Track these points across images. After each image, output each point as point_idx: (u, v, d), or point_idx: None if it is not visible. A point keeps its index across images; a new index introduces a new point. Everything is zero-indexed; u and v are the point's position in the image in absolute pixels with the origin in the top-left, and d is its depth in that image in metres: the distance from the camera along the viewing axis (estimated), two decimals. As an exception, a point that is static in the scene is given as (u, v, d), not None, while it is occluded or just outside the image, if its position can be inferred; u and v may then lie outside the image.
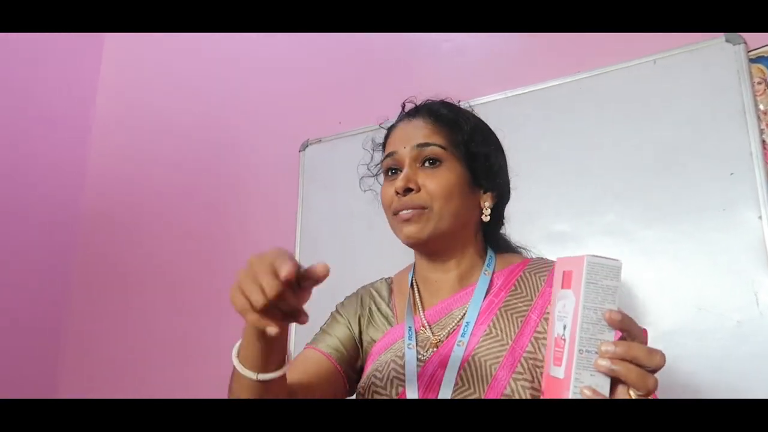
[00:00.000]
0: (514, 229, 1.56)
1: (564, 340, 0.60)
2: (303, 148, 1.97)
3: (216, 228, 2.09)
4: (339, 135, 1.93)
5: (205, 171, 2.17)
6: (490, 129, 0.99)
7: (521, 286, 0.89)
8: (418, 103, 1.02)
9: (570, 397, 0.58)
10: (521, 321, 0.85)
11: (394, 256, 1.72)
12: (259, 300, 0.60)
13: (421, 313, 0.92)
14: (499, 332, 0.84)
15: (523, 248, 1.04)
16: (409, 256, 1.73)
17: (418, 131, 0.93)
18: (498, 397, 0.79)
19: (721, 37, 1.44)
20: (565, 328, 0.60)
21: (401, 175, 0.90)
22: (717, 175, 1.39)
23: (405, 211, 0.89)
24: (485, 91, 1.72)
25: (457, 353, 0.83)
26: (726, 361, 1.29)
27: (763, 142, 1.37)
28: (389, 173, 0.95)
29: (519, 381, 0.80)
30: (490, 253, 0.95)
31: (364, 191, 1.10)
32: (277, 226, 1.96)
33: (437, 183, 0.89)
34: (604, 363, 0.60)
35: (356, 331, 0.96)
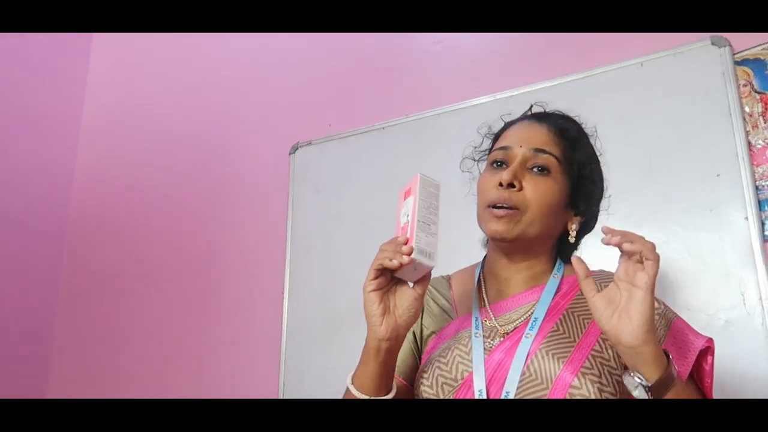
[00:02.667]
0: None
1: (408, 223, 0.83)
2: (293, 151, 1.97)
3: (206, 230, 2.08)
4: (329, 137, 1.93)
5: (194, 173, 2.16)
6: (599, 163, 1.01)
7: None
8: (547, 110, 1.03)
9: (413, 245, 0.80)
10: (587, 322, 0.88)
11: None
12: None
13: (488, 306, 0.95)
14: (566, 329, 0.88)
15: None
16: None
17: (539, 136, 0.94)
18: (566, 390, 0.82)
19: (706, 39, 1.46)
20: (407, 216, 0.84)
21: (509, 169, 0.91)
22: (704, 176, 1.40)
23: (500, 209, 0.91)
24: (475, 93, 1.73)
25: (525, 344, 0.86)
26: (714, 360, 1.30)
27: (749, 143, 1.39)
28: (494, 165, 0.96)
29: (587, 375, 0.82)
30: (559, 261, 0.98)
31: (462, 172, 1.10)
32: (267, 229, 1.96)
33: (539, 191, 0.90)
34: (615, 238, 0.74)
35: (417, 330, 1.00)
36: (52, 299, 2.25)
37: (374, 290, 0.83)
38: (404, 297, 0.84)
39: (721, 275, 1.34)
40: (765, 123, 1.39)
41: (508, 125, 1.02)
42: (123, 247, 2.22)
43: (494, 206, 0.91)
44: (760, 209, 1.34)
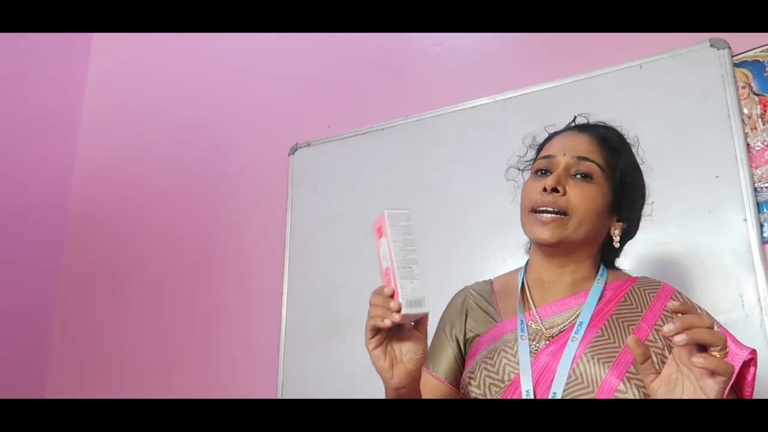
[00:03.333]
0: (507, 230, 1.57)
1: (389, 269, 0.83)
2: (292, 152, 1.97)
3: (205, 230, 2.08)
4: (328, 138, 1.93)
5: (193, 173, 2.16)
6: (641, 171, 1.03)
7: (631, 299, 0.95)
8: (590, 121, 1.06)
9: (400, 300, 0.79)
10: (632, 329, 0.90)
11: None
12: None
13: (533, 309, 0.97)
14: (611, 335, 0.89)
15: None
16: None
17: (582, 145, 0.97)
18: (611, 393, 0.84)
19: (705, 41, 1.46)
20: (386, 261, 0.84)
21: (553, 174, 0.94)
22: (703, 177, 1.40)
23: (545, 215, 0.93)
24: (474, 95, 1.74)
25: (571, 348, 0.88)
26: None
27: (748, 145, 1.39)
28: (538, 173, 0.98)
29: (632, 380, 0.84)
30: (602, 267, 1.00)
31: (507, 180, 1.11)
32: (266, 229, 1.96)
33: (582, 196, 0.93)
34: (681, 337, 0.69)
35: (460, 334, 1.02)
36: (51, 298, 2.25)
37: (376, 347, 0.83)
38: (408, 342, 0.84)
39: (720, 277, 1.34)
40: (764, 125, 1.39)
41: (552, 136, 1.04)
42: (122, 247, 2.22)
43: (539, 211, 0.93)
44: (759, 211, 1.35)
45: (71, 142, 2.40)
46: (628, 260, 1.40)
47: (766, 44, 1.42)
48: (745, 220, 1.34)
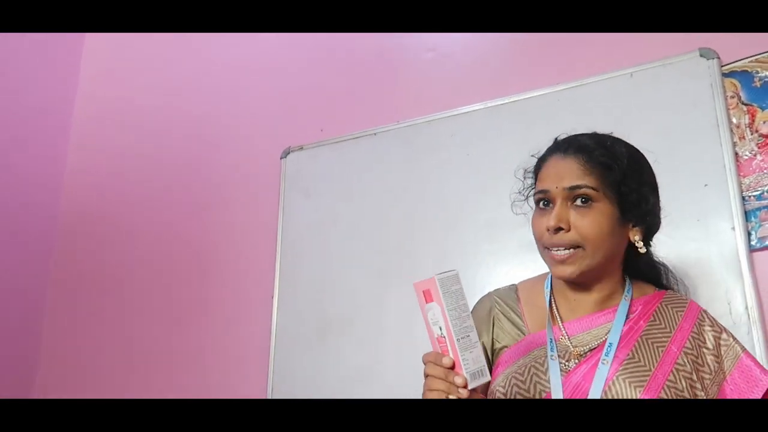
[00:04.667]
0: (499, 235, 1.58)
1: (444, 337, 0.81)
2: (284, 155, 1.97)
3: (196, 233, 2.07)
4: (321, 142, 1.93)
5: (185, 175, 2.16)
6: (642, 161, 1.01)
7: (659, 318, 0.95)
8: (570, 136, 1.03)
9: (464, 374, 0.78)
10: (662, 351, 0.91)
11: (376, 264, 1.73)
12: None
13: (561, 324, 0.97)
14: (641, 358, 0.90)
15: (662, 265, 1.07)
16: (392, 266, 1.73)
17: (571, 172, 0.94)
18: None
19: (695, 51, 1.48)
20: (441, 329, 0.81)
21: (553, 213, 0.93)
22: (692, 186, 1.41)
23: (558, 252, 0.93)
24: (466, 100, 1.74)
25: (602, 371, 0.88)
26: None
27: (736, 154, 1.40)
28: (540, 204, 0.98)
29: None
30: (628, 280, 1.00)
31: (516, 214, 1.09)
32: (258, 232, 1.95)
33: (589, 224, 0.92)
34: None
35: (489, 345, 1.01)
36: (40, 298, 2.23)
37: None
38: None
39: (709, 285, 1.35)
40: (751, 134, 1.40)
41: (540, 162, 1.02)
42: (112, 249, 2.20)
43: (553, 251, 0.93)
44: (747, 219, 1.36)
45: (62, 143, 2.39)
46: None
47: (755, 55, 1.44)
48: (734, 228, 1.35)
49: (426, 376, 0.82)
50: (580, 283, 0.97)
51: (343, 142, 1.90)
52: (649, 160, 1.02)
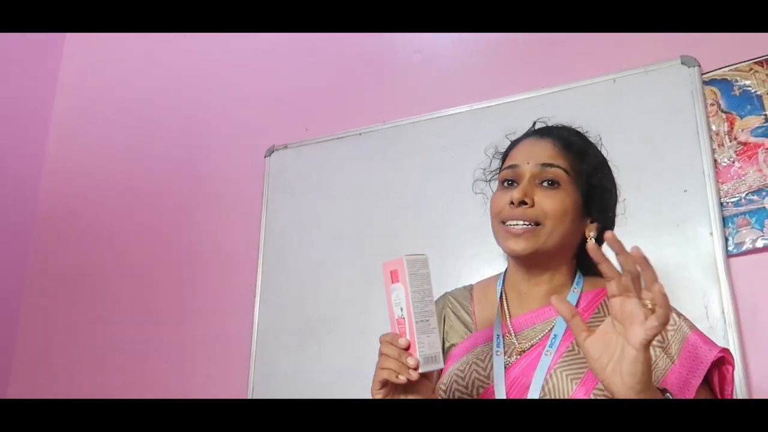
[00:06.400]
0: (483, 238, 1.59)
1: (404, 318, 0.81)
2: (269, 154, 1.96)
3: (178, 232, 2.05)
4: (305, 141, 1.92)
5: (167, 174, 2.14)
6: (608, 165, 1.02)
7: (604, 310, 0.93)
8: (550, 124, 1.04)
9: (417, 356, 0.77)
10: None
11: (359, 264, 1.73)
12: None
13: (508, 321, 0.96)
14: (581, 351, 0.87)
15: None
16: (375, 266, 1.73)
17: (545, 151, 0.95)
18: None
19: (677, 59, 1.50)
20: (402, 310, 0.81)
21: (519, 187, 0.93)
22: (672, 191, 1.44)
23: (516, 226, 0.92)
24: (452, 103, 1.75)
25: (545, 362, 0.88)
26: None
27: (715, 161, 1.43)
28: (505, 183, 0.97)
29: (599, 397, 0.84)
30: (579, 273, 0.99)
31: (476, 194, 1.11)
32: (241, 231, 1.94)
33: (553, 203, 0.92)
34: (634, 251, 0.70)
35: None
36: (16, 296, 2.19)
37: (383, 397, 0.81)
38: (416, 393, 0.82)
39: (687, 288, 1.37)
40: (730, 142, 1.43)
41: (514, 143, 1.03)
42: (92, 247, 2.17)
43: (510, 223, 0.92)
44: (724, 225, 1.38)
45: (41, 142, 2.35)
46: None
47: (735, 63, 1.46)
48: (711, 233, 1.38)
49: (380, 354, 0.81)
50: (531, 268, 0.96)
51: (327, 141, 1.89)
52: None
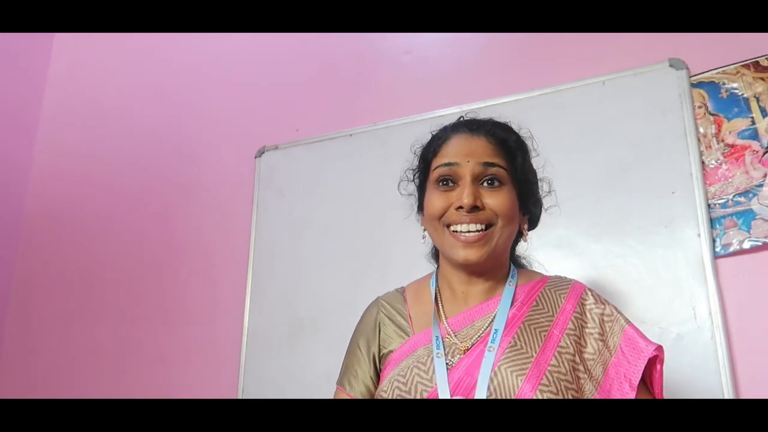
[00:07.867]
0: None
1: None
2: (259, 154, 1.96)
3: (167, 233, 2.04)
4: (296, 142, 1.92)
5: (157, 175, 2.12)
6: (530, 157, 1.02)
7: (542, 302, 0.93)
8: (475, 119, 1.01)
9: None
10: (544, 336, 0.88)
11: (349, 265, 1.73)
12: None
13: (445, 322, 0.94)
14: (523, 345, 0.87)
15: (527, 261, 1.08)
16: (365, 268, 1.73)
17: (483, 149, 0.93)
18: None
19: (665, 61, 1.52)
20: None
21: (467, 192, 0.89)
22: (660, 193, 1.45)
23: (469, 233, 0.89)
24: (441, 104, 1.75)
25: (489, 359, 0.86)
26: (666, 372, 1.34)
27: (703, 163, 1.44)
28: (440, 183, 0.94)
29: (545, 393, 0.83)
30: (513, 267, 0.98)
31: (402, 195, 1.07)
32: (231, 232, 1.93)
33: (501, 204, 0.91)
34: None
35: (376, 351, 0.98)
36: (2, 298, 2.17)
37: None
38: None
39: (674, 290, 1.38)
40: (718, 144, 1.44)
41: (442, 139, 0.99)
42: (81, 249, 2.16)
43: (460, 229, 0.90)
44: (712, 227, 1.39)
45: (28, 144, 2.33)
46: (587, 270, 1.44)
47: (722, 66, 1.48)
48: (699, 235, 1.39)
49: None
50: (476, 271, 0.94)
51: (318, 142, 1.89)
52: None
